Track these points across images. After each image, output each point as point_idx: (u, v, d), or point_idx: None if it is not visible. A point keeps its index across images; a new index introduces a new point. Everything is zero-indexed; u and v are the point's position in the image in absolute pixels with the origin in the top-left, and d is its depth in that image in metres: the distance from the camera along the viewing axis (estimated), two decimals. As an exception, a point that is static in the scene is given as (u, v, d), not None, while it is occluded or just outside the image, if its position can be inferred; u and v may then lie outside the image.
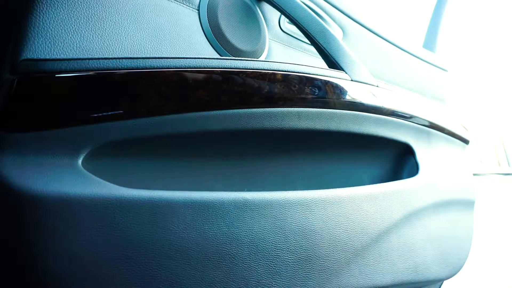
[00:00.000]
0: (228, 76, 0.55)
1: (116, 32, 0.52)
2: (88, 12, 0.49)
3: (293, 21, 0.72)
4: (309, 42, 0.76)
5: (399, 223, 0.70)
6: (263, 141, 0.62)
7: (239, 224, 0.53)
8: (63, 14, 0.48)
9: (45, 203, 0.42)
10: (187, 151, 0.57)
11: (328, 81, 0.66)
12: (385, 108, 0.73)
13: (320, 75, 0.65)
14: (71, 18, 0.48)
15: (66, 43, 0.47)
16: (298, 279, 0.56)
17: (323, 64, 0.72)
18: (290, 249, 0.56)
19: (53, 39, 0.46)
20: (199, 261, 0.48)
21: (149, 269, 0.46)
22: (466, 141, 0.95)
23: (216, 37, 0.68)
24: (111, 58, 0.48)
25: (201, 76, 0.53)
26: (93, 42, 0.49)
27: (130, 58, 0.50)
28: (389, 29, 1.03)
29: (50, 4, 0.47)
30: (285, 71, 0.61)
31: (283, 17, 0.82)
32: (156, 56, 0.53)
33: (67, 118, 0.47)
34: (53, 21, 0.47)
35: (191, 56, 0.54)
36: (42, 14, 0.46)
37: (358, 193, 0.66)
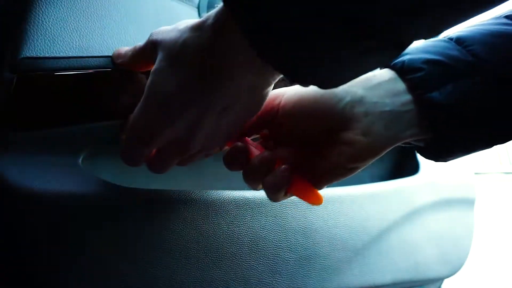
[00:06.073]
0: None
1: (116, 31, 0.52)
2: (87, 11, 0.49)
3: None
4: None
5: (400, 222, 0.70)
6: (264, 139, 0.62)
7: (239, 223, 0.53)
8: (63, 13, 0.47)
9: (44, 202, 0.42)
10: (187, 150, 0.57)
11: (329, 80, 0.65)
12: (386, 107, 0.72)
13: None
14: (70, 16, 0.48)
15: (66, 41, 0.47)
16: (298, 277, 0.56)
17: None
18: (291, 248, 0.56)
19: (53, 38, 0.46)
20: (199, 260, 0.48)
21: (149, 268, 0.46)
22: (467, 140, 0.95)
23: (217, 35, 0.67)
24: (111, 56, 0.48)
25: (201, 74, 0.53)
26: (93, 41, 0.49)
27: (130, 56, 0.49)
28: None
29: (49, 3, 0.47)
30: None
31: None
32: (156, 54, 0.52)
33: (67, 117, 0.47)
34: (53, 19, 0.47)
35: (191, 55, 0.53)
36: (41, 12, 0.46)
37: (359, 192, 0.66)
